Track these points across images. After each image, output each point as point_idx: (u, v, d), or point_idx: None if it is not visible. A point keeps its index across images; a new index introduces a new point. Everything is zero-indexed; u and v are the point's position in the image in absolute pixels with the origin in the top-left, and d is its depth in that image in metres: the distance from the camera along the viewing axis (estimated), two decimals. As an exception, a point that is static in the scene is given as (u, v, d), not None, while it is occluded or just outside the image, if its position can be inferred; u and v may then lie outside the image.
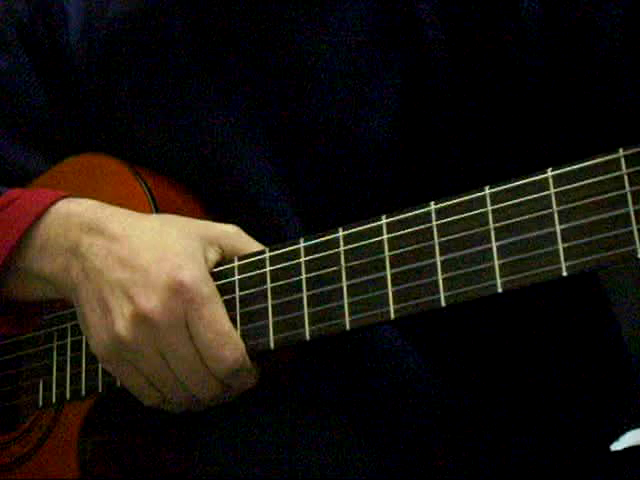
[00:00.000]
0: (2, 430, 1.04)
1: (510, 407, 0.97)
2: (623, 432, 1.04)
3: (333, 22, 0.92)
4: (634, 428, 1.05)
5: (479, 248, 0.78)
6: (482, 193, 0.79)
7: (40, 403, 0.99)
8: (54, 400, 0.98)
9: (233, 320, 0.88)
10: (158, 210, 0.95)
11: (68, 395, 0.97)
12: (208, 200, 0.98)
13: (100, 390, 0.95)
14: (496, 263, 0.77)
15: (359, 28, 0.91)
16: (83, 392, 0.96)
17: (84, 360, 0.96)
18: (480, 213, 0.79)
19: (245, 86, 0.96)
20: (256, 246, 0.91)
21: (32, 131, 1.06)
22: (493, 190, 0.78)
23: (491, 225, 0.78)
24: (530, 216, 0.76)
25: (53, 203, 0.94)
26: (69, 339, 0.98)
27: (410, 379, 0.95)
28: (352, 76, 0.92)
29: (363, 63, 0.91)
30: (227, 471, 0.96)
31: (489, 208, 0.78)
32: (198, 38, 0.98)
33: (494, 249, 0.78)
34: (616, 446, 1.03)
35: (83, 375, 0.96)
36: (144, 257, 0.87)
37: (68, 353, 0.98)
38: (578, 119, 0.90)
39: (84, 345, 0.97)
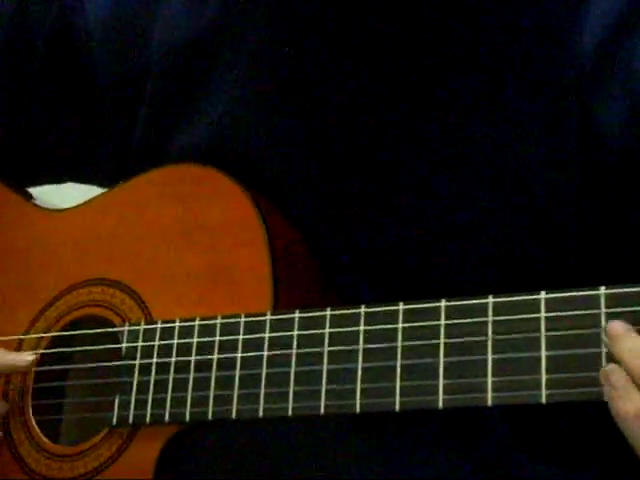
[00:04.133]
0: (69, 444, 1.02)
1: None
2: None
3: None
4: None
5: (528, 354, 0.77)
6: (537, 297, 0.78)
7: (114, 422, 0.96)
8: (131, 421, 0.95)
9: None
10: (270, 240, 0.93)
11: (148, 419, 0.94)
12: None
13: (187, 420, 0.92)
14: (543, 377, 0.76)
15: None
16: (166, 419, 0.93)
17: (170, 385, 0.94)
18: (533, 318, 0.77)
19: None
20: None
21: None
22: (548, 296, 0.77)
23: (542, 332, 0.77)
24: (582, 332, 0.75)
25: None
26: (155, 360, 0.96)
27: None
28: None
29: None
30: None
31: (543, 315, 0.77)
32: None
33: (543, 359, 0.76)
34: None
35: (168, 401, 0.93)
36: None
37: (152, 374, 0.95)
38: None
39: (172, 368, 0.94)
